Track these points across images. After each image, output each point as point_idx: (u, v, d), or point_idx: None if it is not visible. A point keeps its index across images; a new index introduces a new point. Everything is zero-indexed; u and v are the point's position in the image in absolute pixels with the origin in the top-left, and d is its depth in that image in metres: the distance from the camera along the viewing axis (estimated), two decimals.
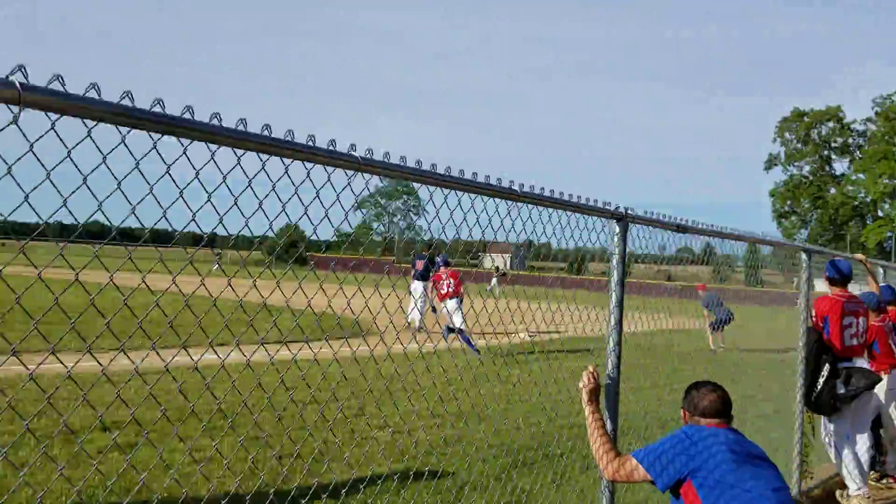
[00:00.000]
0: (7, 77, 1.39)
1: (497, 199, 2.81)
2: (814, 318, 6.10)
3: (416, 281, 16.44)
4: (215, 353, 2.34)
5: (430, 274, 15.68)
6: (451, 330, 14.94)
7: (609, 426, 3.33)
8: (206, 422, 6.36)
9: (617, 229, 3.28)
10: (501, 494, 5.22)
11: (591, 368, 3.28)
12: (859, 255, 7.00)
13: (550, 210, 3.07)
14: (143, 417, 6.62)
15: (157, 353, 2.10)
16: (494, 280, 40.13)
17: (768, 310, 7.61)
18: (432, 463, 5.82)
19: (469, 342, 12.70)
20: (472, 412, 7.51)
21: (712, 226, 4.22)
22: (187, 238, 2.62)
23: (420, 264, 16.48)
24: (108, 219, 1.73)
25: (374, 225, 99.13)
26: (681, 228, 3.74)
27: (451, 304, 14.28)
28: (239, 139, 1.82)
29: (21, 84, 1.38)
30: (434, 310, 16.37)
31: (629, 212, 3.29)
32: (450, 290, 13.97)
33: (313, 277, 3.03)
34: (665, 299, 5.51)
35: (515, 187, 2.63)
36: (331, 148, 1.97)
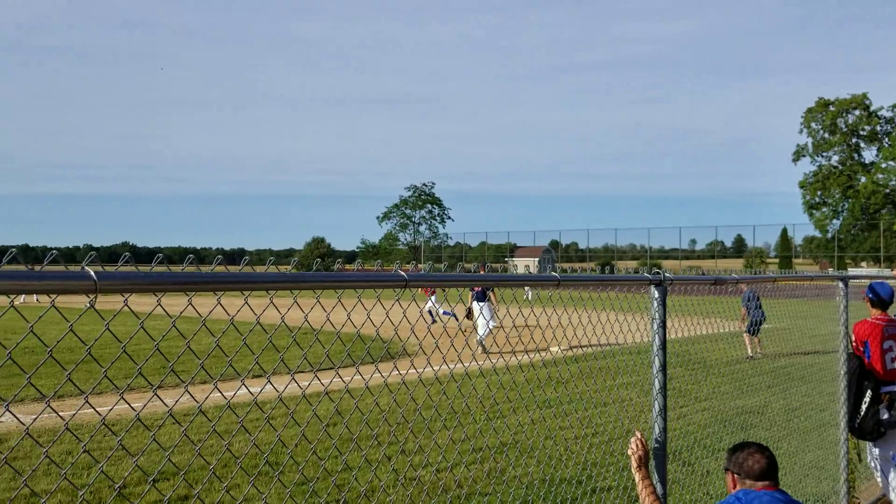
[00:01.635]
0: (83, 268, 1.46)
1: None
2: (853, 343, 6.05)
3: (475, 302, 16.73)
4: (247, 388, 2.40)
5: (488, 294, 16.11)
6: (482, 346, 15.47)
7: (659, 489, 3.35)
8: (245, 464, 6.46)
9: (656, 294, 3.30)
10: None
11: (638, 435, 3.31)
12: None
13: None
14: (183, 462, 6.75)
15: (191, 394, 2.14)
16: (528, 287, 40.29)
17: (803, 303, 7.51)
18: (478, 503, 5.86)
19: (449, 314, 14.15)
20: (514, 444, 7.54)
21: (744, 273, 4.21)
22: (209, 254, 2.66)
23: (479, 288, 16.63)
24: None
25: (401, 235, 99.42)
26: (718, 282, 3.75)
27: (483, 308, 15.90)
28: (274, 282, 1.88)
29: (97, 274, 1.46)
30: (469, 314, 16.69)
31: (667, 276, 3.32)
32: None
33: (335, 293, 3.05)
34: (701, 297, 5.43)
35: (556, 274, 2.68)
36: None
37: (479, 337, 15.95)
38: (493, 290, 16.29)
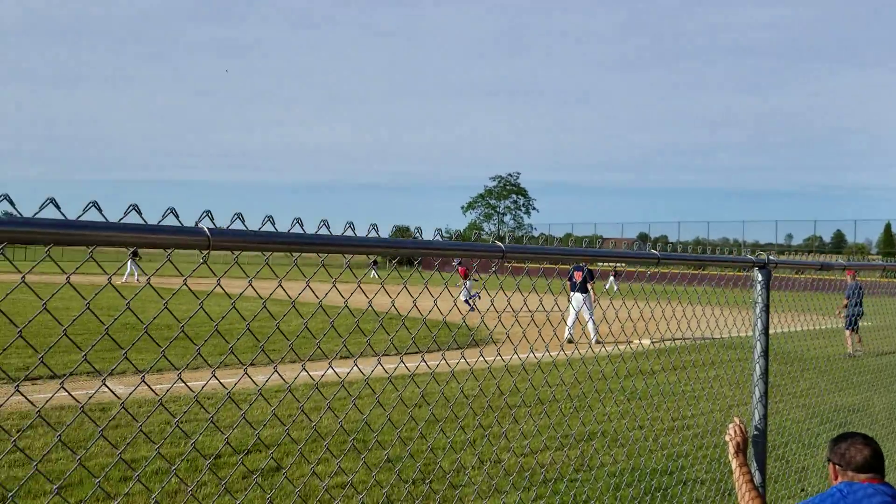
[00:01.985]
0: (196, 225, 1.51)
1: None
2: None
3: (575, 293, 16.47)
4: (333, 370, 2.43)
5: (590, 284, 15.98)
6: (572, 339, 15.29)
7: (757, 478, 3.24)
8: (334, 441, 6.60)
9: (760, 277, 3.18)
10: None
11: (737, 421, 3.20)
12: None
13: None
14: (270, 440, 6.95)
15: (279, 374, 2.17)
16: (612, 278, 39.75)
17: None
18: (561, 490, 5.81)
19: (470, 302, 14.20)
20: (600, 432, 7.45)
21: (849, 259, 4.01)
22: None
23: (578, 275, 16.32)
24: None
25: (485, 225, 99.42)
26: (825, 267, 3.59)
27: (585, 302, 16.02)
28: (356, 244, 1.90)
29: (210, 230, 1.50)
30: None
31: (771, 259, 3.19)
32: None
33: (421, 279, 3.06)
34: (800, 293, 5.22)
35: (657, 251, 2.61)
36: None
37: (592, 337, 15.49)
38: (593, 282, 16.02)
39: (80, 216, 1.37)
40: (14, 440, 1.54)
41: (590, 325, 15.45)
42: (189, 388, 1.85)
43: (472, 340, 13.44)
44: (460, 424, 7.47)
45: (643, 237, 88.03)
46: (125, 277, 34.28)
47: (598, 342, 14.96)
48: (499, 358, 3.14)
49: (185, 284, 1.56)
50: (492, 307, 13.65)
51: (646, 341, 14.13)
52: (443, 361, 3.28)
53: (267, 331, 14.23)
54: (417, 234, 2.19)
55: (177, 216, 1.50)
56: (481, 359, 11.00)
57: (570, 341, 14.83)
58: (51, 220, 1.31)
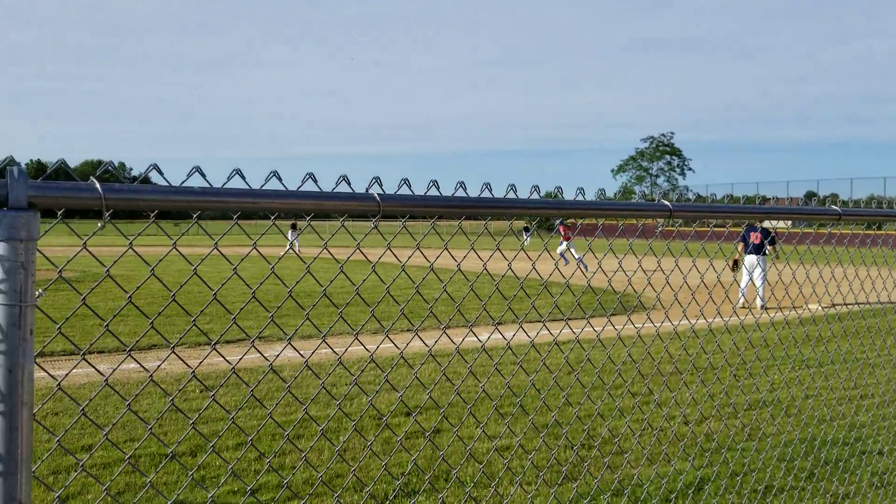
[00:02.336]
0: (367, 191, 1.56)
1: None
2: None
3: (749, 255, 15.81)
4: (500, 333, 2.44)
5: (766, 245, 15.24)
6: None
7: None
8: (498, 405, 6.70)
9: None
10: (811, 498, 4.90)
11: None
12: None
13: None
14: (441, 401, 7.15)
15: (448, 336, 2.22)
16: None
17: None
18: (729, 459, 5.62)
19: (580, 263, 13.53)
20: (768, 402, 7.11)
21: None
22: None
23: (755, 236, 15.63)
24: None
25: (636, 188, 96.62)
26: None
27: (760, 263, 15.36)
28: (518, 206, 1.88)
29: (379, 195, 1.55)
30: (735, 266, 15.75)
31: None
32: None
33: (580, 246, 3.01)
34: None
35: (837, 207, 2.43)
36: None
37: (759, 301, 14.91)
38: (774, 246, 15.09)
39: (262, 185, 1.46)
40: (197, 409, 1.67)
41: (759, 290, 14.77)
42: (366, 348, 1.93)
43: (619, 306, 13.17)
44: (628, 390, 7.37)
45: (810, 195, 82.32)
46: (287, 248, 36.25)
47: (763, 308, 14.27)
48: (665, 324, 3.05)
49: (359, 249, 1.62)
50: (658, 269, 13.23)
51: (814, 306, 13.27)
52: (608, 327, 3.24)
53: (434, 295, 14.63)
54: (580, 196, 2.16)
55: (349, 183, 1.56)
56: (648, 325, 10.77)
57: (743, 306, 14.21)
58: (238, 190, 1.40)
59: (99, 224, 1.24)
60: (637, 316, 12.61)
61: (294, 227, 31.30)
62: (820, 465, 5.43)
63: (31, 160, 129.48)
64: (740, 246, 15.95)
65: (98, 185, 1.25)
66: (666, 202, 1.95)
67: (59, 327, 1.36)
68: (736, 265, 15.75)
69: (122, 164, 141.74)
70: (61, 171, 1.36)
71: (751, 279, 14.64)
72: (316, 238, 48.58)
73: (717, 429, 6.45)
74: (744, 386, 7.75)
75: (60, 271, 1.33)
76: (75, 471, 5.01)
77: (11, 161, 1.21)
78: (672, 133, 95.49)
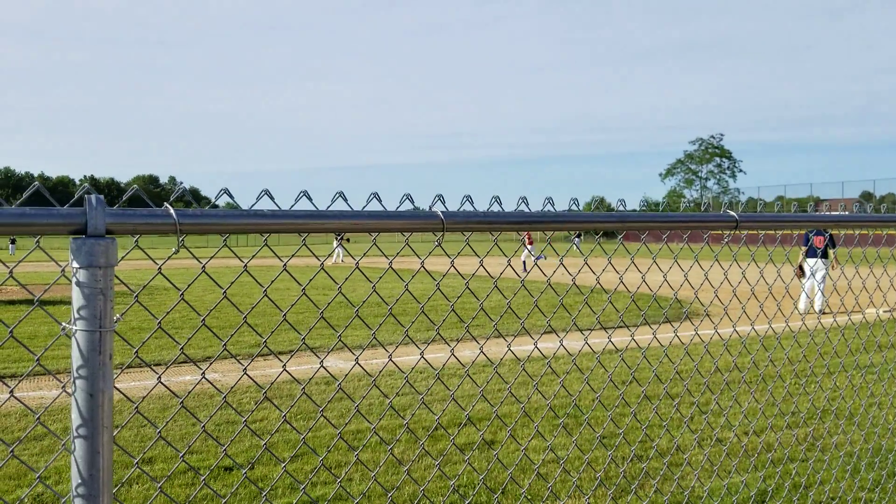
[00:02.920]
0: (430, 209, 1.56)
1: None
2: None
3: (812, 259, 15.41)
4: (536, 346, 2.42)
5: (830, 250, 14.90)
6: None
7: None
8: (544, 418, 6.64)
9: None
10: None
11: None
12: None
13: None
14: (501, 411, 7.12)
15: (483, 352, 2.19)
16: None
17: None
18: (792, 472, 5.47)
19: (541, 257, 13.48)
20: (833, 408, 6.92)
21: None
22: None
23: (819, 240, 15.25)
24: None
25: (686, 191, 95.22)
26: None
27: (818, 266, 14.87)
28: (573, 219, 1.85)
29: (443, 213, 1.54)
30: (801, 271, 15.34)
31: None
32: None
33: (625, 252, 2.95)
34: None
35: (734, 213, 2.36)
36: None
37: (817, 306, 14.53)
38: (835, 249, 14.75)
39: (329, 206, 1.47)
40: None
41: (819, 294, 14.42)
42: (427, 360, 1.93)
43: (682, 313, 12.97)
44: (676, 403, 7.24)
45: (867, 196, 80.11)
46: (334, 259, 36.59)
47: (823, 312, 13.94)
48: (715, 333, 2.99)
49: (423, 267, 1.62)
50: (725, 281, 13.01)
51: (874, 311, 12.89)
52: (654, 336, 3.18)
53: (471, 306, 14.65)
54: (621, 206, 2.13)
55: (412, 201, 1.56)
56: (695, 334, 10.58)
57: (808, 312, 13.88)
58: (305, 212, 1.42)
59: (174, 249, 1.26)
60: (694, 321, 12.40)
61: (340, 237, 31.56)
62: (889, 477, 5.26)
63: (85, 176, 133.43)
64: (803, 250, 15.59)
65: (173, 212, 1.27)
66: (732, 213, 1.91)
67: (136, 351, 1.38)
68: (801, 270, 15.33)
69: (173, 178, 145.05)
70: (122, 192, 1.38)
71: (813, 282, 14.28)
72: (363, 249, 48.99)
73: (779, 438, 6.29)
74: (806, 393, 7.56)
75: (137, 296, 1.36)
76: (137, 483, 5.11)
77: (89, 189, 1.24)
78: (721, 135, 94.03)
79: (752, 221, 1.97)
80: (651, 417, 5.25)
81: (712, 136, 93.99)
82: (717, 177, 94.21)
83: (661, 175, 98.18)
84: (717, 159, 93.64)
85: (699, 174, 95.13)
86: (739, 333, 4.79)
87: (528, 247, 23.99)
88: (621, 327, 11.13)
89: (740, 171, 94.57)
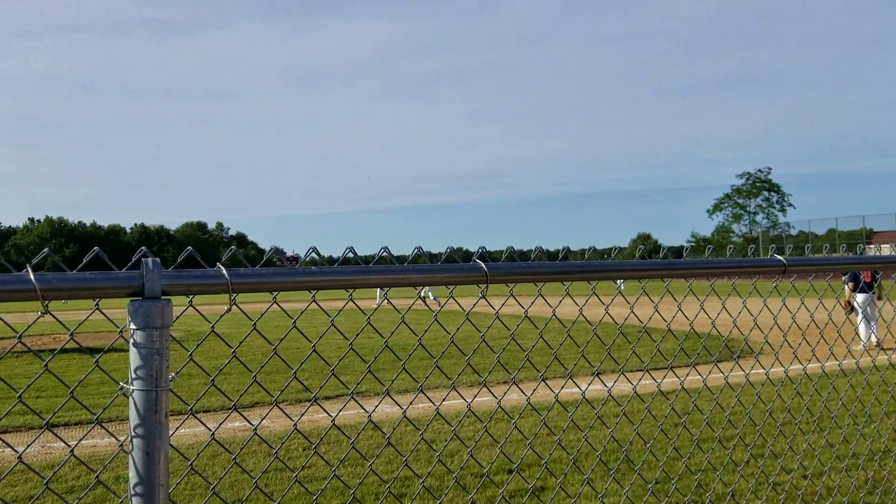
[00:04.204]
0: (473, 262, 1.58)
1: None
2: None
3: (861, 294, 15.10)
4: (577, 385, 2.38)
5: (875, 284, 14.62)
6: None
7: None
8: (593, 462, 6.52)
9: None
10: None
11: None
12: None
13: None
14: (542, 456, 7.01)
15: (547, 385, 2.17)
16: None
17: None
18: None
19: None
20: (890, 452, 6.68)
21: None
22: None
23: (866, 274, 14.96)
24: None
25: (734, 227, 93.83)
26: None
27: (866, 298, 14.67)
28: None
29: (487, 267, 1.56)
30: (851, 308, 14.99)
31: None
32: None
33: (680, 289, 2.90)
34: None
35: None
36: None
37: (862, 343, 14.23)
38: (880, 281, 14.48)
39: (374, 261, 1.50)
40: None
41: (871, 328, 14.07)
42: (466, 401, 1.93)
43: (726, 351, 12.71)
44: (733, 445, 7.07)
45: None
46: (425, 297, 37.11)
47: (879, 347, 13.58)
48: (775, 368, 2.93)
49: (468, 319, 1.64)
50: (765, 309, 12.76)
51: None
52: (699, 376, 3.12)
53: (514, 346, 14.55)
54: (660, 241, 2.12)
55: (455, 259, 1.59)
56: (742, 374, 10.37)
57: (869, 348, 13.55)
58: (352, 269, 1.45)
59: (226, 308, 1.30)
60: (745, 361, 12.14)
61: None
62: None
63: (136, 224, 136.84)
64: (850, 285, 15.23)
65: (225, 272, 1.31)
66: (780, 257, 1.89)
67: (191, 409, 1.42)
68: (851, 308, 14.96)
69: (220, 224, 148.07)
70: (172, 239, 1.43)
71: (865, 318, 13.95)
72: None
73: (838, 483, 6.08)
74: (865, 433, 7.32)
75: (191, 354, 1.40)
76: None
77: (146, 253, 1.29)
78: (769, 168, 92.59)
79: (801, 265, 1.95)
80: (704, 464, 5.12)
81: (759, 170, 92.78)
82: (766, 211, 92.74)
83: (708, 210, 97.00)
84: (766, 193, 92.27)
85: (747, 209, 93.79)
86: (791, 376, 4.69)
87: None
88: (670, 367, 10.93)
89: (789, 204, 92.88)
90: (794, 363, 2.62)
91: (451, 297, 1.75)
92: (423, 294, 25.56)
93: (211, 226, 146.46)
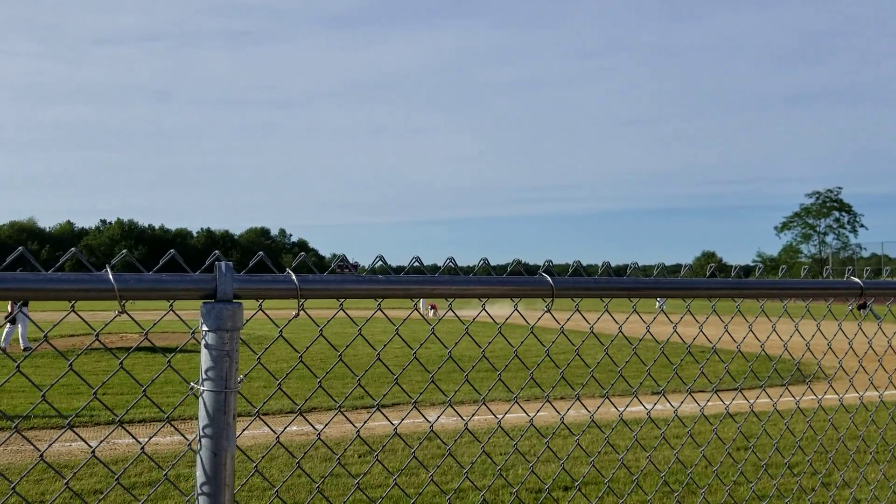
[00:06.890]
0: (539, 275, 1.57)
1: None
2: None
3: None
4: (668, 401, 2.31)
5: None
6: None
7: None
8: (646, 482, 6.38)
9: None
10: None
11: None
12: None
13: None
14: (603, 474, 6.91)
15: (612, 402, 2.12)
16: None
17: None
18: None
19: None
20: None
21: None
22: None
23: None
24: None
25: (803, 247, 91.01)
26: None
27: None
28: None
29: (553, 280, 1.55)
30: None
31: None
32: None
33: (746, 310, 2.82)
34: None
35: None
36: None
37: None
38: None
39: (440, 271, 1.50)
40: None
41: None
42: (527, 414, 1.91)
43: (798, 374, 12.31)
44: (802, 472, 6.83)
45: None
46: (432, 312, 37.46)
47: None
48: (849, 394, 2.82)
49: (532, 333, 1.63)
50: (839, 333, 12.33)
51: None
52: (769, 399, 3.02)
53: (567, 362, 14.38)
54: (724, 260, 2.07)
55: (523, 272, 1.58)
56: (813, 398, 10.04)
57: None
58: (417, 278, 1.45)
59: (294, 313, 1.32)
60: (817, 385, 11.75)
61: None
62: None
63: (202, 228, 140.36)
64: None
65: (294, 277, 1.33)
66: (856, 280, 1.82)
67: (258, 411, 1.44)
68: None
69: (283, 231, 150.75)
70: (236, 244, 1.45)
71: None
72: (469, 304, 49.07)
73: None
74: None
75: (259, 358, 1.42)
76: None
77: (219, 256, 1.31)
78: (840, 188, 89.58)
79: (878, 289, 1.87)
80: (773, 491, 4.97)
81: (829, 190, 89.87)
82: (836, 231, 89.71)
83: (776, 229, 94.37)
84: (836, 213, 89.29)
85: (817, 228, 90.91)
86: (865, 403, 4.51)
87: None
88: (738, 389, 10.64)
89: (861, 225, 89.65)
90: (870, 389, 2.53)
91: (516, 309, 1.74)
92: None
93: (274, 232, 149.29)
